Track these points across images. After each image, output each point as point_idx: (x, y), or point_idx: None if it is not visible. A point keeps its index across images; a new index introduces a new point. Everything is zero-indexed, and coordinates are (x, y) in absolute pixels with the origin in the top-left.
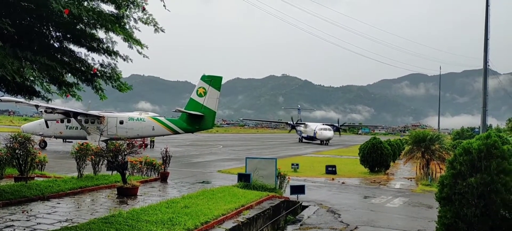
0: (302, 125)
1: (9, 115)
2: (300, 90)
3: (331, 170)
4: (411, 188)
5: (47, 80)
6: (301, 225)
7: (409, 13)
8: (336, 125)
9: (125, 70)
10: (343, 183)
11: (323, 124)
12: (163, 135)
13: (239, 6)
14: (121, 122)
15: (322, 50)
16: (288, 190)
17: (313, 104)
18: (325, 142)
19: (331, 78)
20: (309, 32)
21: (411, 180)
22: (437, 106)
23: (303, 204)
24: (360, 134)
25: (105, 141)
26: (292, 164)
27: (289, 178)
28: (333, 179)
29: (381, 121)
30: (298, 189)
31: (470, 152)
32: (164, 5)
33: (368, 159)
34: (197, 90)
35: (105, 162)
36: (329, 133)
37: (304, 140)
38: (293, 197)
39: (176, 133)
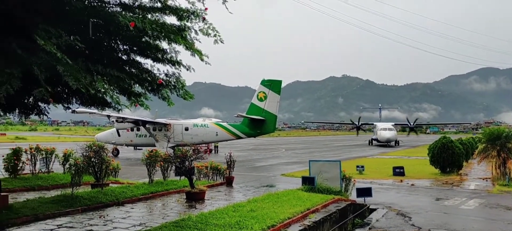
0: (372, 126)
1: (84, 126)
2: (361, 91)
3: (398, 171)
4: (487, 189)
5: (117, 91)
6: (369, 228)
7: (474, 4)
8: (409, 124)
9: (188, 78)
10: (412, 184)
11: (386, 124)
12: (226, 140)
13: (297, 8)
14: (187, 129)
15: (385, 48)
16: (354, 192)
17: (375, 104)
18: (387, 143)
19: (395, 77)
20: (370, 31)
21: (486, 180)
22: (510, 102)
23: (370, 207)
24: (428, 133)
25: (172, 147)
26: (357, 166)
27: (354, 180)
28: (401, 180)
29: (449, 119)
30: (365, 192)
31: None
32: (226, 7)
33: (438, 159)
34: (258, 95)
35: (173, 167)
36: (388, 134)
37: (374, 143)
38: (360, 200)
39: (238, 137)
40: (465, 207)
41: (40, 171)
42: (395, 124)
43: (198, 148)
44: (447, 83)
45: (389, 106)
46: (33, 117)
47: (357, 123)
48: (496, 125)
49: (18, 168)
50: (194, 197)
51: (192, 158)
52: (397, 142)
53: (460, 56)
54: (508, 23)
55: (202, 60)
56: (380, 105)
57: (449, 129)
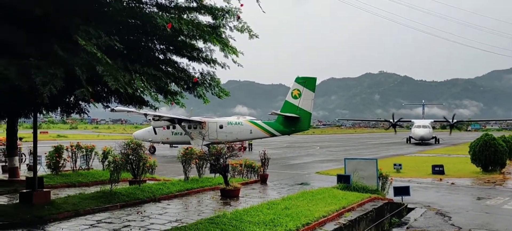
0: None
1: (121, 124)
2: (399, 87)
3: (438, 169)
4: None
5: (154, 90)
6: (407, 228)
7: None
8: (448, 120)
9: (223, 77)
10: (452, 183)
11: (422, 121)
12: (261, 138)
13: (331, 4)
14: (221, 127)
15: (423, 42)
16: (391, 191)
17: (413, 101)
18: (422, 141)
19: (434, 73)
20: (407, 25)
21: None
22: None
23: (408, 206)
24: (469, 130)
25: (207, 145)
26: (394, 164)
27: (391, 179)
28: (441, 179)
29: (492, 116)
30: (403, 190)
31: None
32: (259, 5)
33: (480, 157)
34: (292, 93)
35: (208, 165)
36: (422, 131)
37: (412, 141)
38: (397, 199)
39: (273, 135)
40: (508, 206)
41: (81, 168)
42: (435, 121)
43: (233, 145)
44: (489, 79)
45: (427, 103)
46: (74, 115)
47: (392, 120)
48: None
49: (60, 165)
50: (229, 194)
51: (226, 156)
52: (437, 140)
53: (502, 50)
54: None
55: (235, 62)
56: (423, 101)
57: (491, 126)
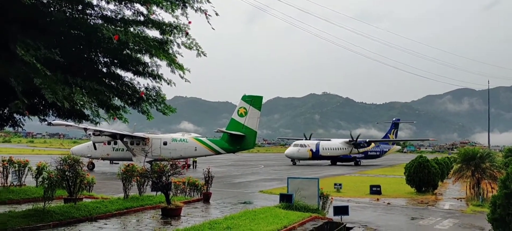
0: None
1: (59, 138)
2: (341, 108)
3: (375, 190)
4: (461, 209)
5: (96, 104)
6: None
7: (455, 28)
8: (352, 139)
9: (169, 92)
10: (388, 203)
11: (303, 141)
12: (205, 155)
13: (280, 27)
14: (165, 143)
15: (365, 67)
16: (331, 210)
17: (352, 123)
18: (293, 161)
19: (374, 95)
20: (351, 50)
21: (461, 200)
22: (483, 122)
23: (347, 225)
24: (405, 152)
25: (150, 162)
26: (335, 184)
27: (332, 198)
28: (378, 199)
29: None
30: (342, 210)
31: None
32: (209, 23)
33: (414, 178)
34: (238, 111)
35: (150, 182)
36: (290, 150)
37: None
38: (337, 218)
39: (218, 153)
40: (439, 227)
41: (12, 184)
42: (349, 141)
43: (176, 163)
44: (424, 103)
45: (364, 125)
46: (8, 128)
47: (353, 139)
48: (471, 145)
49: None
50: (170, 213)
51: (169, 173)
52: (357, 161)
53: (438, 77)
54: (488, 44)
55: (182, 77)
56: (398, 119)
57: (425, 148)
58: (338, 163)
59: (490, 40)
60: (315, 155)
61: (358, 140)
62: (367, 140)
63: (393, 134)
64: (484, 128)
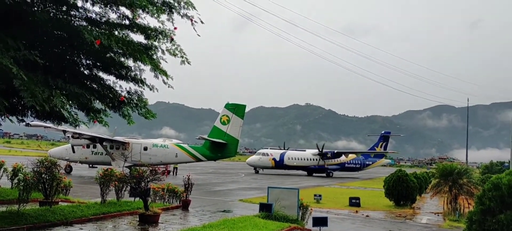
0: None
1: (37, 139)
2: (323, 120)
3: (355, 202)
4: (438, 223)
5: (76, 107)
6: None
7: (438, 44)
8: (319, 149)
9: (151, 97)
10: (367, 216)
11: (268, 150)
12: (186, 162)
13: (267, 37)
14: (145, 148)
15: (349, 80)
16: (310, 221)
17: (333, 134)
18: (256, 170)
19: (357, 109)
20: (336, 63)
21: (438, 215)
22: (461, 139)
23: None
24: (384, 166)
25: (129, 167)
26: (315, 195)
27: (311, 209)
28: (357, 211)
29: (403, 153)
30: (321, 221)
31: (499, 187)
32: (194, 29)
33: (393, 192)
34: (221, 118)
35: (128, 188)
36: (252, 159)
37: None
38: (315, 229)
39: (199, 160)
40: None
41: None
42: (317, 152)
43: (156, 168)
44: (404, 118)
45: (346, 137)
46: None
47: (320, 150)
48: (450, 161)
49: None
50: (148, 220)
51: (148, 179)
52: (328, 173)
53: (418, 92)
54: (468, 63)
55: (165, 83)
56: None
57: (405, 162)
58: (314, 174)
59: (472, 59)
60: (279, 164)
61: (323, 150)
62: (335, 151)
63: (381, 147)
64: (462, 145)
